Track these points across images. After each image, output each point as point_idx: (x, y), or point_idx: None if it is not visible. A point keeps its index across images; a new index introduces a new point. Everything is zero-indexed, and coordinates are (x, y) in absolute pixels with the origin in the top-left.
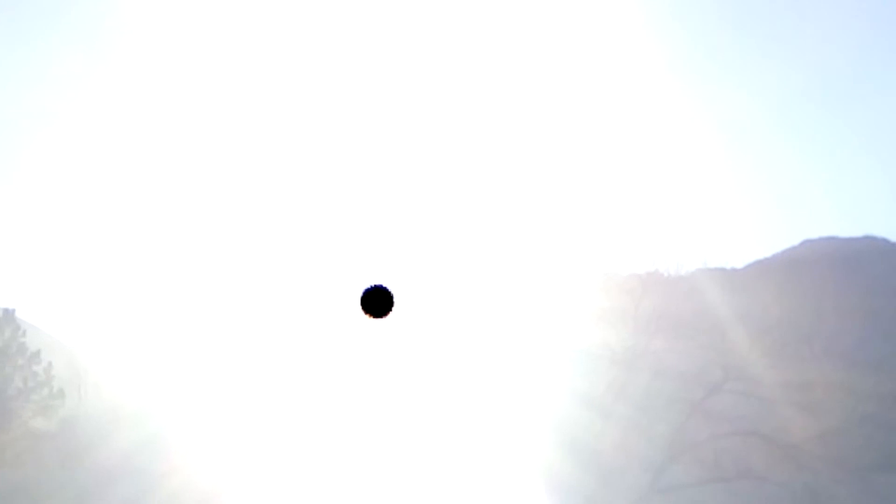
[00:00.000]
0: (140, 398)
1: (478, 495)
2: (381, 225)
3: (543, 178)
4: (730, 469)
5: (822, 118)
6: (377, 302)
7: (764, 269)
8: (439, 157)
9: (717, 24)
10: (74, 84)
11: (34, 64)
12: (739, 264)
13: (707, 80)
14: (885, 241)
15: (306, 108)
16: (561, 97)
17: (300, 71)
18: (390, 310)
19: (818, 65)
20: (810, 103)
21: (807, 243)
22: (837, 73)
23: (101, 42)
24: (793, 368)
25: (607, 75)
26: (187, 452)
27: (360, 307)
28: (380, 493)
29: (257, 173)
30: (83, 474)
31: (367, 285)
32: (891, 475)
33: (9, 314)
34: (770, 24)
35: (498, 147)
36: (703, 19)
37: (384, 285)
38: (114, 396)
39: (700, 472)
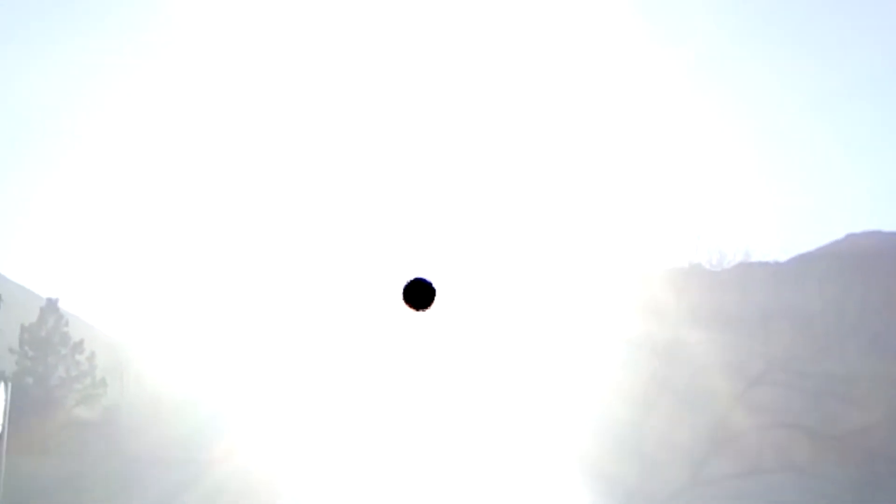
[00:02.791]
0: (182, 388)
1: (520, 486)
2: (426, 218)
3: (589, 171)
4: (772, 461)
5: (865, 111)
6: (419, 294)
7: (807, 262)
8: (481, 147)
9: (755, 13)
10: (115, 75)
11: (69, 53)
12: (782, 258)
13: (749, 73)
14: None
15: (332, 102)
16: (604, 89)
17: (322, 64)
18: (432, 302)
19: (860, 57)
20: (853, 96)
21: (850, 237)
22: (880, 65)
23: (121, 36)
24: (836, 361)
25: (648, 67)
26: (230, 442)
27: (402, 299)
28: (422, 482)
29: (294, 164)
30: (126, 463)
31: (410, 278)
32: None
33: (52, 304)
34: (809, 18)
35: (541, 140)
36: (740, 9)
37: (426, 278)
38: (156, 386)
39: (742, 464)
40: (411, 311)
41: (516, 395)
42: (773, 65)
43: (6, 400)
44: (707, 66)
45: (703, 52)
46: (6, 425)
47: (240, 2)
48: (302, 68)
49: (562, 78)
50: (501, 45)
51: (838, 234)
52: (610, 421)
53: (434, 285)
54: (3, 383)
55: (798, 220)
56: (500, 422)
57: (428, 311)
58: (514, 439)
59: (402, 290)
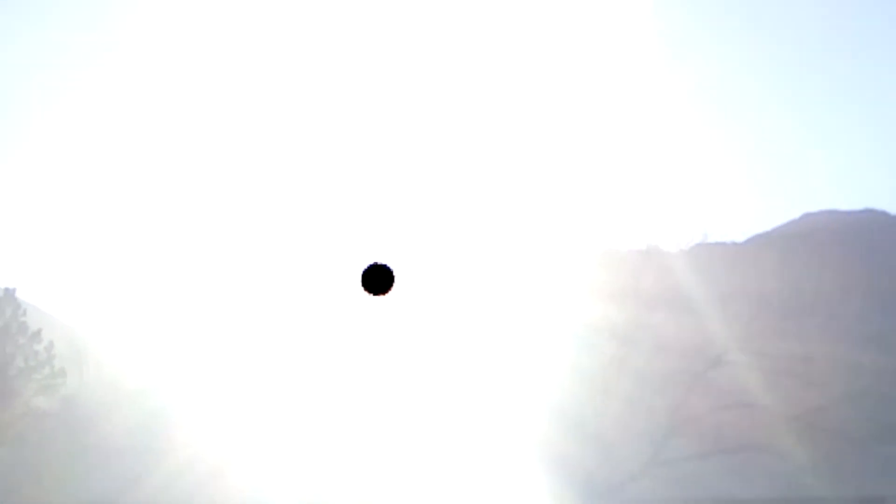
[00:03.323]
0: (141, 376)
1: (478, 473)
2: (378, 205)
3: (541, 155)
4: (731, 441)
5: (820, 91)
6: (377, 279)
7: (764, 242)
8: (434, 135)
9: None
10: (78, 68)
11: (36, 48)
12: (740, 238)
13: (705, 55)
14: (884, 214)
15: (306, 98)
16: (557, 74)
17: (308, 62)
18: (390, 287)
19: (817, 38)
20: (809, 76)
21: (807, 216)
22: (836, 46)
23: (107, 34)
24: (793, 341)
25: (602, 50)
26: (189, 429)
27: (360, 284)
28: (378, 471)
29: (255, 157)
30: (84, 452)
31: (367, 263)
32: (891, 446)
33: (9, 293)
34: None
35: (494, 124)
36: None
37: (384, 263)
38: (115, 374)
39: (701, 445)
40: (369, 296)
41: (474, 380)
42: (729, 47)
43: None
44: (664, 48)
45: (661, 34)
46: None
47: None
48: (282, 64)
49: (521, 61)
50: (475, 32)
51: (795, 213)
52: (568, 404)
53: (392, 269)
54: None
55: (755, 201)
56: (457, 406)
57: (386, 295)
58: (472, 424)
59: (360, 275)
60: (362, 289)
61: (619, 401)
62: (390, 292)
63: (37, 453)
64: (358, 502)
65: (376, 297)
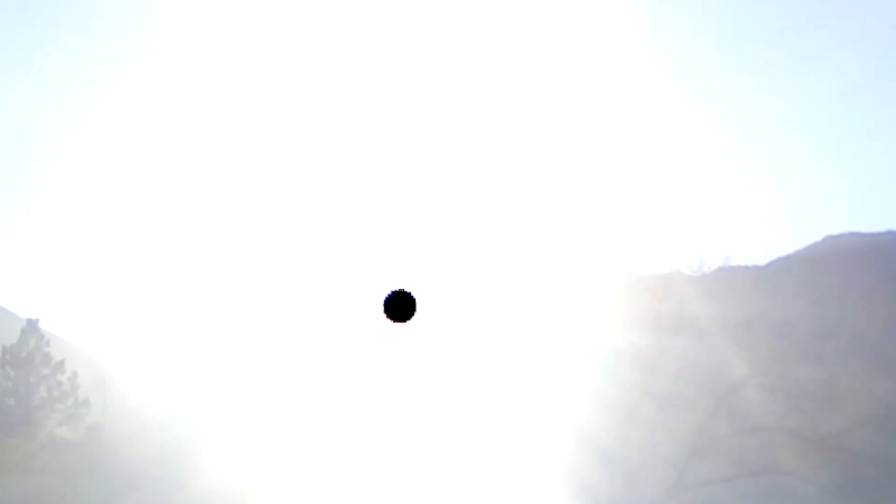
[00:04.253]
0: (164, 405)
1: (503, 494)
2: (403, 230)
3: (566, 181)
4: (755, 464)
5: (842, 114)
6: (400, 306)
7: (786, 265)
8: (460, 161)
9: (737, 24)
10: (99, 93)
11: (42, 64)
12: (762, 261)
13: (729, 80)
14: None
15: (326, 111)
16: (581, 99)
17: (316, 71)
18: (413, 314)
19: (838, 61)
20: (830, 100)
21: (829, 239)
22: (857, 68)
23: (114, 45)
24: (816, 365)
25: (628, 75)
26: (211, 457)
27: (382, 312)
28: (404, 497)
29: (278, 180)
30: (107, 481)
31: (390, 291)
32: None
33: (32, 324)
34: (788, 26)
35: (520, 150)
36: (723, 20)
37: (406, 290)
38: (138, 404)
39: (725, 468)
40: (392, 324)
41: (499, 404)
42: (752, 71)
43: None
44: (687, 74)
45: (683, 59)
46: None
47: (238, 3)
48: (286, 70)
49: (541, 84)
50: (486, 44)
51: (817, 236)
52: (592, 428)
53: (414, 297)
54: None
55: (777, 224)
56: (482, 430)
57: (409, 322)
58: (496, 447)
59: (382, 303)
60: (385, 316)
61: (642, 425)
62: (413, 319)
63: (61, 482)
64: None
65: (399, 324)
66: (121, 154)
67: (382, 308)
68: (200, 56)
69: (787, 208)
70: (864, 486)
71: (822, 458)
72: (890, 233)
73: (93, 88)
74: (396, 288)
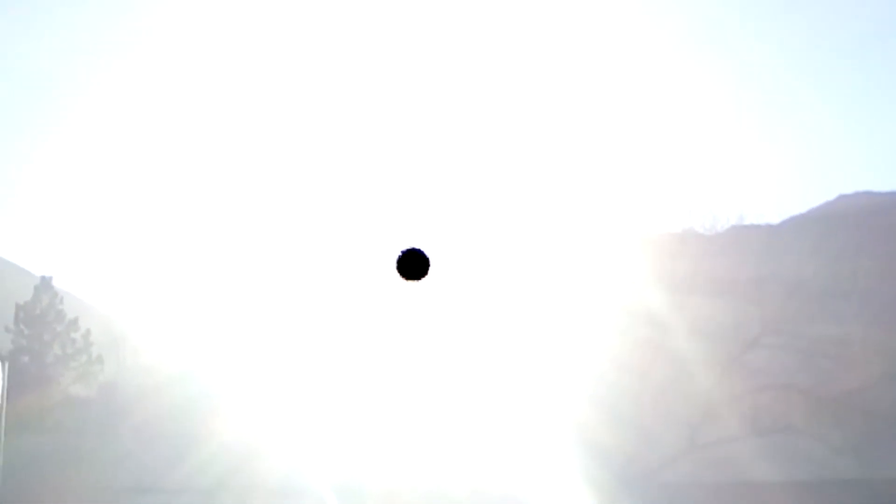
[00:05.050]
0: (178, 362)
1: (516, 458)
2: (417, 189)
3: (578, 141)
4: (768, 423)
5: (855, 72)
6: (413, 265)
7: (799, 224)
8: (475, 120)
9: None
10: (115, 57)
11: (69, 32)
12: (775, 220)
13: (740, 36)
14: None
15: (335, 90)
16: (594, 58)
17: (328, 56)
18: (426, 273)
19: (850, 19)
20: (844, 57)
21: (842, 198)
22: (871, 26)
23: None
24: (829, 323)
25: (639, 32)
26: (224, 415)
27: (396, 270)
28: (412, 453)
29: (292, 140)
30: (121, 438)
31: (403, 249)
32: None
33: (46, 282)
34: None
35: (533, 108)
36: None
37: (419, 248)
38: (151, 361)
39: (738, 427)
40: (405, 282)
41: (511, 365)
42: (763, 27)
43: (4, 378)
44: (697, 31)
45: (693, 17)
46: (4, 404)
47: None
48: (306, 52)
49: (551, 46)
50: (490, 18)
51: (830, 195)
52: (605, 388)
53: (427, 255)
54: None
55: (790, 183)
56: (495, 391)
57: (422, 281)
58: (509, 409)
59: (395, 261)
60: (397, 274)
61: (656, 385)
62: (425, 278)
63: (74, 440)
64: (392, 484)
65: (411, 282)
66: (133, 111)
67: (395, 266)
68: (213, 39)
69: (801, 167)
70: (877, 444)
71: (835, 417)
72: None
73: (119, 36)
74: (409, 246)
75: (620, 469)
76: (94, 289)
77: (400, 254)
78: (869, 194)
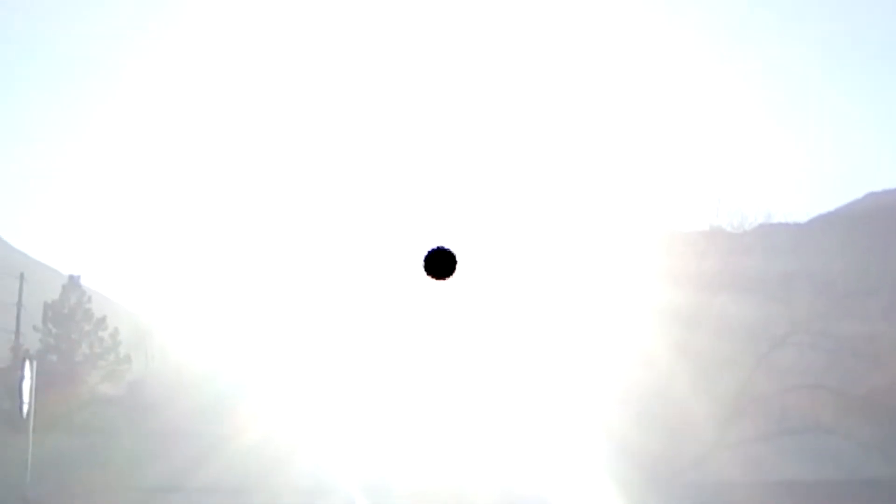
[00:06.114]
0: (205, 361)
1: (543, 457)
2: (445, 188)
3: (606, 137)
4: (796, 422)
5: (885, 71)
6: (440, 263)
7: (827, 222)
8: (503, 117)
9: None
10: (144, 46)
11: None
12: (803, 218)
13: (770, 34)
14: None
15: (358, 88)
16: (623, 54)
17: (349, 55)
18: (453, 271)
19: (881, 15)
20: (874, 57)
21: (870, 196)
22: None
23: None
24: (857, 321)
25: (665, 30)
26: (252, 413)
27: (423, 268)
28: (442, 452)
29: (320, 132)
30: (149, 437)
31: (430, 248)
32: None
33: (74, 281)
34: None
35: (562, 104)
36: None
37: (446, 247)
38: (179, 360)
39: (766, 426)
40: (433, 281)
41: (538, 365)
42: (793, 26)
43: (32, 378)
44: (726, 28)
45: (723, 14)
46: (33, 403)
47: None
48: (328, 45)
49: (583, 45)
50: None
51: (858, 193)
52: (632, 387)
53: (454, 254)
54: (28, 361)
55: (818, 180)
56: (522, 392)
57: (449, 279)
58: (536, 409)
59: (423, 260)
60: (425, 272)
61: (683, 384)
62: (453, 276)
63: (102, 439)
64: (420, 485)
65: (439, 281)
66: (161, 113)
67: (423, 265)
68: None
69: (829, 165)
70: None
71: (863, 416)
72: None
73: (139, 42)
74: (436, 245)
75: (648, 468)
76: (122, 288)
77: (428, 252)
78: None
